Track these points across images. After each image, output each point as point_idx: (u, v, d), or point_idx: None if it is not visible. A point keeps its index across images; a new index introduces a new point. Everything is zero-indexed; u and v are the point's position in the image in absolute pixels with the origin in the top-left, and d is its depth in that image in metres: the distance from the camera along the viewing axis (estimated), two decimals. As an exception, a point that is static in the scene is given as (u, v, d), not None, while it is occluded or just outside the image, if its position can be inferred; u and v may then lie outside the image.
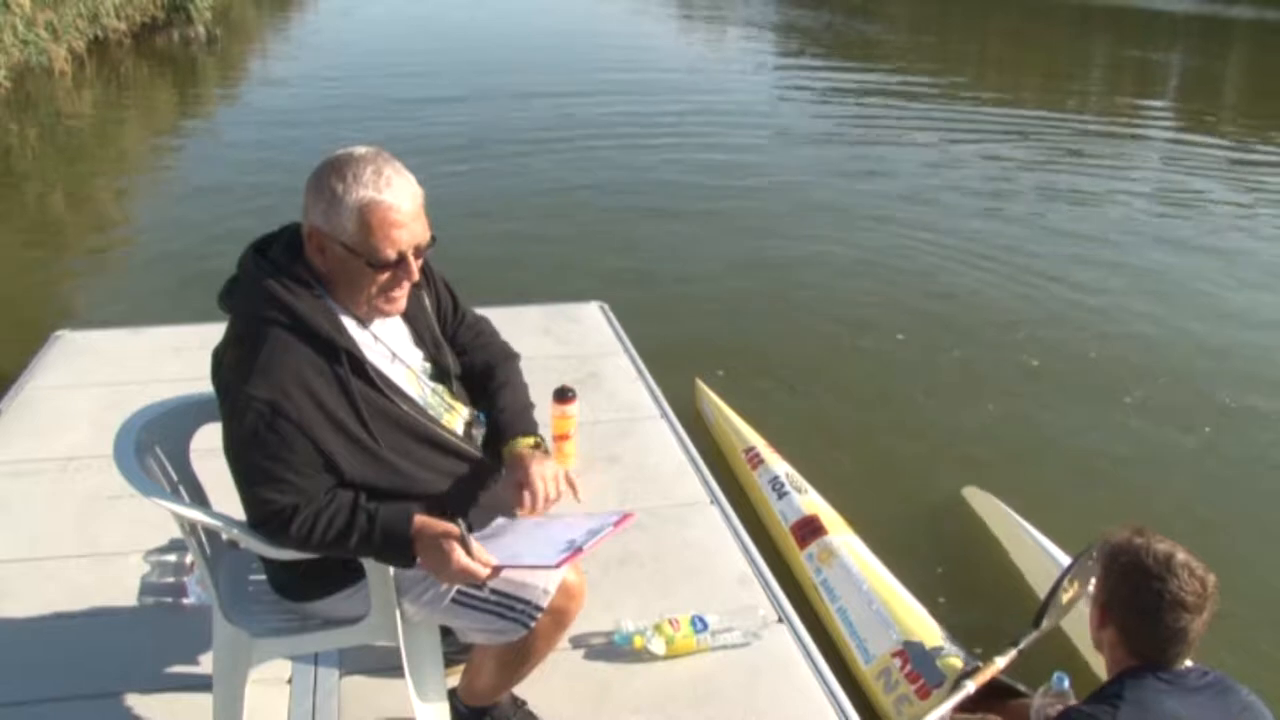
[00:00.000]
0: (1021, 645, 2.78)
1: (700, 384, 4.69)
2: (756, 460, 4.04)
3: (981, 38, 21.61)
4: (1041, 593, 3.47)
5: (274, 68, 15.05)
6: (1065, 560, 3.51)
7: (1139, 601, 1.90)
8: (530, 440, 2.12)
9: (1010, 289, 6.78)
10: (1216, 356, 5.95)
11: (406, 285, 1.97)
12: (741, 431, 4.26)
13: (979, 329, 6.06)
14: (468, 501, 2.08)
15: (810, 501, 3.73)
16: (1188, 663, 1.98)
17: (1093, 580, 2.76)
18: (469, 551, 1.88)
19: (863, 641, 3.12)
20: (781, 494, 3.79)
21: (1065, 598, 2.95)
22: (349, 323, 1.96)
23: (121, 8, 14.49)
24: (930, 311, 6.33)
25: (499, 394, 2.20)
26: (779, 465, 3.97)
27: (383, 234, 1.87)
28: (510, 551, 1.96)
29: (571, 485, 2.07)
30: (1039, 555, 3.64)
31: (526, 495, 2.00)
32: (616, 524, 2.03)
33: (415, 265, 1.94)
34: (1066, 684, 2.43)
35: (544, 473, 2.02)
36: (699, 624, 2.75)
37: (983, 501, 4.11)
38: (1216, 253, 7.89)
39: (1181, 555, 1.93)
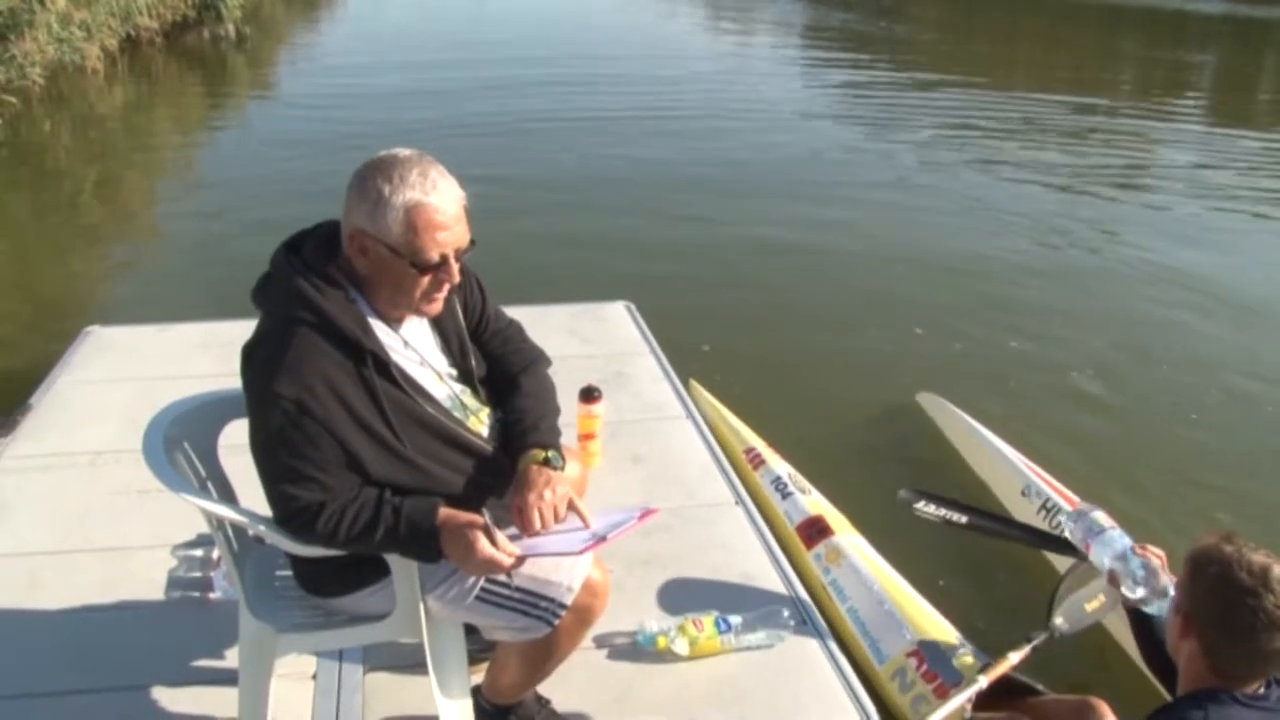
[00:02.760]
0: (1035, 642, 2.76)
1: (695, 385, 4.64)
2: (758, 461, 4.02)
3: (1010, 39, 21.46)
4: (1005, 502, 4.10)
5: (303, 66, 15.16)
6: (1014, 456, 4.18)
7: (1231, 620, 1.74)
8: (540, 455, 2.05)
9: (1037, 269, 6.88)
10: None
11: (447, 288, 1.97)
12: (740, 432, 4.23)
13: (996, 329, 6.04)
14: (492, 504, 2.08)
15: (814, 502, 3.72)
16: None
17: (1147, 583, 2.67)
18: (493, 541, 1.88)
19: (875, 641, 3.09)
20: (785, 494, 3.78)
21: (1090, 607, 2.92)
22: (377, 324, 1.97)
23: (153, 6, 14.59)
24: (947, 304, 6.35)
25: (516, 401, 2.17)
26: (780, 466, 3.95)
27: (428, 236, 1.87)
28: (534, 542, 1.97)
29: (578, 512, 1.99)
30: (994, 456, 4.25)
31: (522, 522, 1.97)
32: (640, 517, 2.03)
33: (455, 268, 1.94)
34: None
35: (541, 503, 1.95)
36: (723, 625, 2.75)
37: (939, 409, 4.69)
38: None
39: (1273, 560, 1.77)
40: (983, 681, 2.62)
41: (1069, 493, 3.90)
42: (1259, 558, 1.76)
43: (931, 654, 2.94)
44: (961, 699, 2.58)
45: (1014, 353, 5.71)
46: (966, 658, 2.89)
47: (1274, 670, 1.77)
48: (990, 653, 2.89)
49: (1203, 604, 1.79)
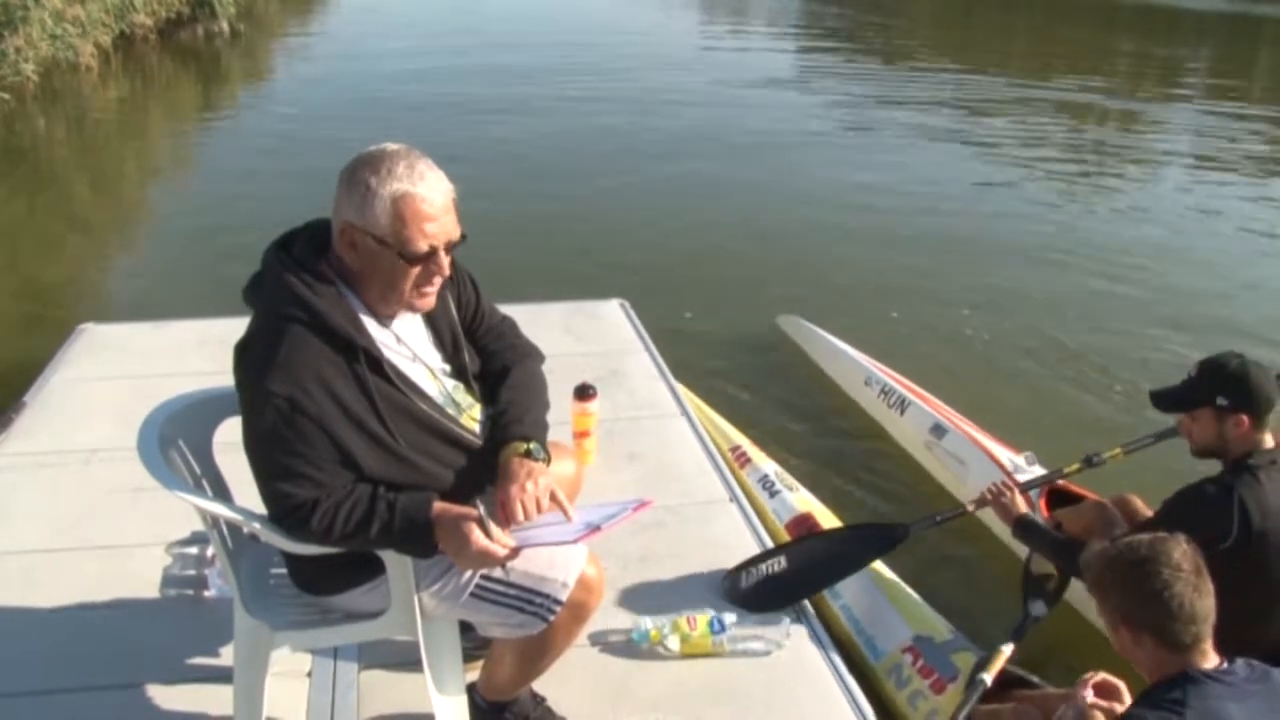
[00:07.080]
0: (1022, 627, 2.81)
1: (680, 386, 4.64)
2: (744, 459, 4.02)
3: (1006, 34, 21.49)
4: (851, 392, 4.88)
5: (298, 63, 15.12)
6: (859, 357, 4.92)
7: (1155, 593, 1.86)
8: (522, 447, 2.04)
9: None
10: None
11: (438, 281, 1.97)
12: (725, 430, 4.24)
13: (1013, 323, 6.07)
14: (485, 497, 2.08)
15: (803, 499, 3.73)
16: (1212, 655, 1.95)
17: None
18: (488, 533, 1.88)
19: (870, 638, 3.10)
20: (773, 493, 3.78)
21: (1050, 584, 2.96)
22: (369, 321, 1.97)
23: (148, 3, 14.54)
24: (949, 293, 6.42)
25: (503, 394, 2.17)
26: (767, 464, 3.96)
27: (416, 226, 1.88)
28: (527, 534, 1.97)
29: (560, 504, 1.98)
30: (839, 356, 5.04)
31: (505, 515, 1.96)
32: (634, 509, 2.03)
33: (445, 261, 1.94)
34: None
35: (523, 495, 1.95)
36: (717, 625, 2.75)
37: (795, 327, 5.39)
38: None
39: (1146, 535, 1.96)
40: (988, 680, 2.62)
41: (904, 379, 4.66)
42: (1133, 539, 1.97)
43: (927, 649, 2.95)
44: (972, 702, 2.57)
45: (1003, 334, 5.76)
46: (963, 652, 2.90)
47: (1210, 616, 1.87)
48: (981, 644, 2.90)
49: (1128, 602, 1.93)
